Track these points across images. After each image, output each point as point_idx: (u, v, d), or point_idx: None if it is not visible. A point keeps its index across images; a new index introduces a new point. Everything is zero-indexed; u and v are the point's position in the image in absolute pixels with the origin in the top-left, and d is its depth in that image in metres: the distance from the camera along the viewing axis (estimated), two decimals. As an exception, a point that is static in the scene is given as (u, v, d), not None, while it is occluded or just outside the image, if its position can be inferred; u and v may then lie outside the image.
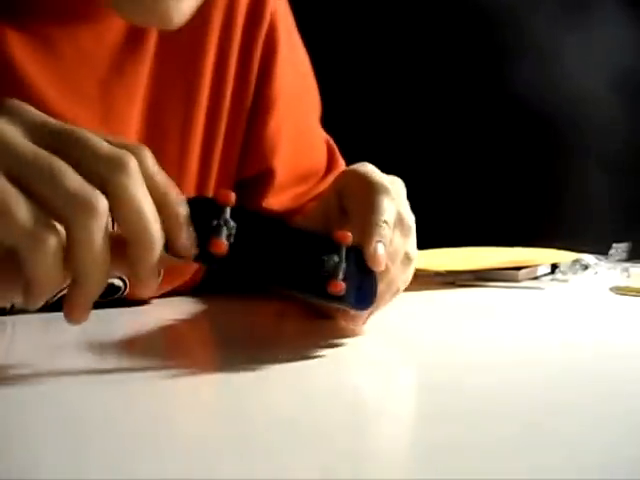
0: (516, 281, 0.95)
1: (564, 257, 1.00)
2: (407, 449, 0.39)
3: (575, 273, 0.98)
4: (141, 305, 0.75)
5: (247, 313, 0.73)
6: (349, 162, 0.89)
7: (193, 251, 0.49)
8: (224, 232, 0.50)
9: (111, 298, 0.73)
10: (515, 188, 1.44)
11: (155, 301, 0.77)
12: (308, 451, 0.39)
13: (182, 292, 0.80)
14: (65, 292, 0.47)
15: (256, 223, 0.53)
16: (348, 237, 0.55)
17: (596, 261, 0.99)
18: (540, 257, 1.01)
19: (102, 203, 0.44)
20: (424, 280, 0.94)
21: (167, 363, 0.54)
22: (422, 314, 0.78)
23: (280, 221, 0.56)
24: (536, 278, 0.98)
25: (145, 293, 0.48)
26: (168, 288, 0.77)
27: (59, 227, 0.45)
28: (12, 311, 0.69)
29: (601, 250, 1.02)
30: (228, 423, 0.43)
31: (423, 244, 0.99)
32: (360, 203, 0.60)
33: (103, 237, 0.45)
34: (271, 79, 0.79)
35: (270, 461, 0.37)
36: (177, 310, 0.75)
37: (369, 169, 0.63)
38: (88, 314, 0.48)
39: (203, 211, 0.51)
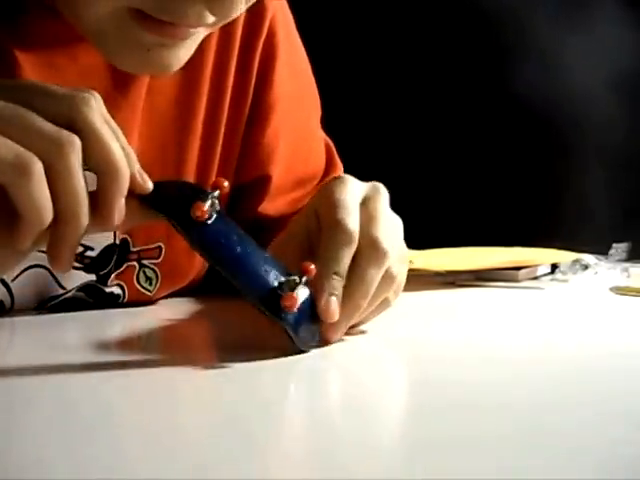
0: (516, 281, 0.95)
1: (564, 257, 1.00)
2: (406, 446, 0.39)
3: (575, 273, 0.97)
4: (140, 306, 0.75)
5: (243, 313, 0.73)
6: (347, 162, 0.89)
7: (147, 186, 0.51)
8: (208, 204, 0.53)
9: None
10: (515, 188, 1.44)
11: (157, 303, 0.77)
12: (306, 448, 0.39)
13: (181, 292, 0.80)
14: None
15: (234, 226, 0.56)
16: (312, 272, 0.56)
17: (596, 261, 0.99)
18: (540, 257, 1.00)
19: (76, 138, 0.47)
20: (424, 280, 0.94)
21: (167, 362, 0.54)
22: (422, 314, 0.78)
23: (254, 242, 0.58)
24: (536, 278, 0.98)
25: (113, 225, 0.50)
26: (170, 290, 0.77)
27: None
28: (11, 311, 0.69)
29: (601, 250, 1.01)
30: (227, 421, 0.43)
31: (423, 244, 0.99)
32: (322, 240, 0.60)
33: (81, 172, 0.47)
34: (269, 85, 0.78)
35: (269, 459, 0.37)
36: (176, 310, 0.75)
37: (342, 197, 0.61)
38: (73, 260, 0.50)
39: (192, 189, 0.55)
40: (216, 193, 0.54)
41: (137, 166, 0.51)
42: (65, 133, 0.47)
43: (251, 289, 0.55)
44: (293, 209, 0.81)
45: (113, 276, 0.72)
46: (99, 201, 0.49)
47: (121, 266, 0.73)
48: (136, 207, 0.51)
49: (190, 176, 0.74)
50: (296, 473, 0.36)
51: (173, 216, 0.54)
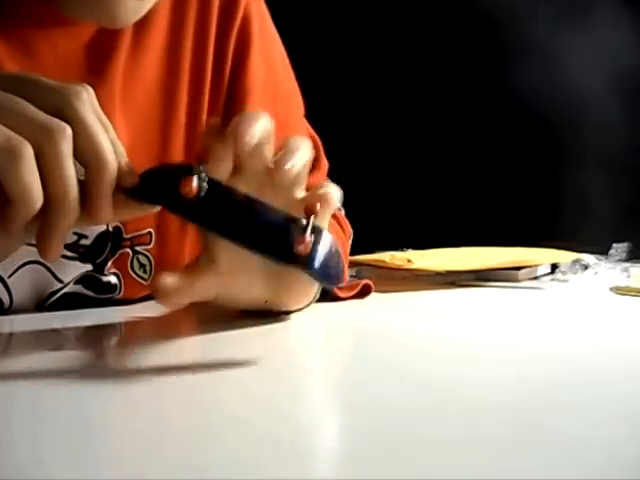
0: (516, 281, 0.95)
1: (564, 257, 1.00)
2: (405, 445, 0.39)
3: (575, 273, 0.97)
4: (136, 303, 0.75)
5: (237, 311, 0.73)
6: (350, 166, 0.89)
7: (134, 179, 0.52)
8: (195, 177, 0.52)
9: (108, 297, 0.74)
10: (515, 188, 1.44)
11: (150, 301, 0.77)
12: (305, 448, 0.38)
13: None
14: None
15: (229, 190, 0.54)
16: (315, 209, 0.54)
17: (596, 261, 0.99)
18: (540, 257, 1.01)
19: (67, 128, 0.48)
20: (424, 280, 0.94)
21: (163, 360, 0.54)
22: (422, 314, 0.78)
23: (252, 196, 0.56)
24: (536, 278, 0.98)
25: (101, 219, 0.51)
26: None
27: None
28: (11, 309, 0.69)
29: (601, 250, 1.01)
30: (225, 421, 0.42)
31: (423, 244, 0.99)
32: None
33: (72, 160, 0.48)
34: (245, 70, 0.79)
35: (268, 458, 0.37)
36: (174, 309, 0.74)
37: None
38: (62, 249, 0.50)
39: (178, 168, 0.54)
40: (202, 167, 0.53)
41: (125, 159, 0.51)
42: (56, 121, 0.48)
43: (262, 248, 0.53)
44: None
45: (110, 264, 0.73)
46: (87, 193, 0.49)
47: (115, 253, 0.73)
48: (124, 201, 0.52)
49: (175, 159, 0.75)
50: (295, 473, 0.36)
51: (164, 201, 0.53)
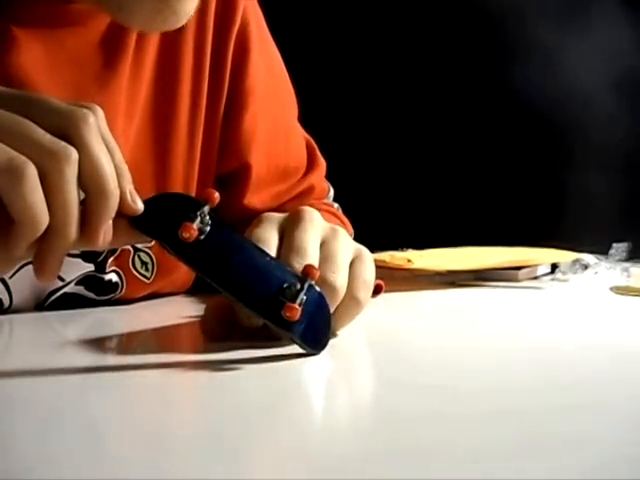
0: (516, 281, 0.95)
1: (564, 257, 1.00)
2: (402, 447, 0.39)
3: (575, 273, 0.97)
4: (137, 302, 0.75)
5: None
6: (353, 165, 0.89)
7: (137, 208, 0.50)
8: (197, 222, 0.52)
9: (109, 297, 0.74)
10: (515, 188, 1.44)
11: (150, 301, 0.77)
12: (308, 450, 0.38)
13: (173, 294, 0.81)
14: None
15: (229, 235, 0.54)
16: (315, 273, 0.54)
17: (596, 261, 0.99)
18: (540, 257, 1.01)
19: (74, 152, 0.47)
20: (424, 280, 0.94)
21: (164, 361, 0.54)
22: (422, 314, 0.78)
23: (253, 243, 0.56)
24: (536, 278, 0.98)
25: (99, 245, 0.49)
26: (167, 278, 0.77)
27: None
28: (10, 309, 0.69)
29: (601, 250, 1.01)
30: (227, 422, 0.42)
31: (423, 244, 0.99)
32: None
33: (75, 185, 0.47)
34: (245, 74, 0.79)
35: (268, 460, 0.37)
36: (172, 309, 0.75)
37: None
38: (58, 271, 0.49)
39: (182, 205, 0.53)
40: (206, 208, 0.52)
41: (130, 186, 0.50)
42: (62, 144, 0.46)
43: (251, 304, 0.53)
44: (278, 202, 0.82)
45: (110, 261, 0.72)
46: (85, 220, 0.48)
47: (116, 250, 0.73)
48: (125, 227, 0.51)
49: (178, 167, 0.75)
50: (296, 473, 0.36)
51: (163, 239, 0.52)
